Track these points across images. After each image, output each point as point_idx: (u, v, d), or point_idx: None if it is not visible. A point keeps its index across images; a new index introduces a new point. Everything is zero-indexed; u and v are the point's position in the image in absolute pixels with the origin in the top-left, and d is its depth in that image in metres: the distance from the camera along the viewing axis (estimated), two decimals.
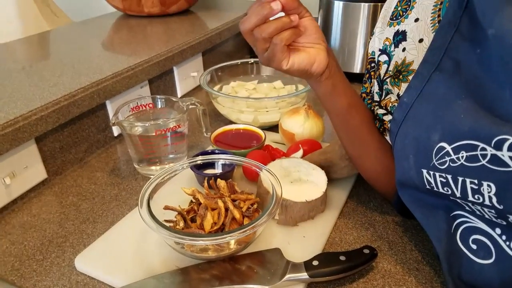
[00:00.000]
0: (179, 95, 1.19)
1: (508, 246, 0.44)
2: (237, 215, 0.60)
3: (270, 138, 0.89)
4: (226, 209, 0.62)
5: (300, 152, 0.76)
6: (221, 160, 0.71)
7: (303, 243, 0.62)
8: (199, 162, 0.70)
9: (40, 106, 0.76)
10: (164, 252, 0.61)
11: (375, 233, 0.66)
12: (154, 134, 0.77)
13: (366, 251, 0.58)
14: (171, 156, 0.82)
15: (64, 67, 0.97)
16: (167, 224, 0.61)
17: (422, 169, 0.51)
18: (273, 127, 0.97)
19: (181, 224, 0.59)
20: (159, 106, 0.87)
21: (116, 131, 0.97)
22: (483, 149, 0.43)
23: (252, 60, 1.13)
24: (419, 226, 0.66)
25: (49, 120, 0.77)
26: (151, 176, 0.81)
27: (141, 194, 0.61)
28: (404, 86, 0.59)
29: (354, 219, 0.69)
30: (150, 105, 0.86)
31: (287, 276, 0.55)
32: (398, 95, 0.60)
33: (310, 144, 0.78)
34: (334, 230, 0.66)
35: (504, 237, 0.45)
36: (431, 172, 0.50)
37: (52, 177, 0.83)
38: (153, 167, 0.82)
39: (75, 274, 0.60)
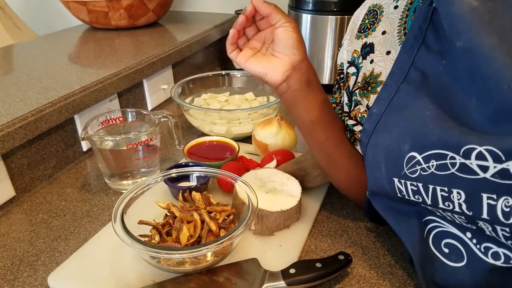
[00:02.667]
0: (149, 108, 1.18)
1: (479, 249, 0.47)
2: (213, 227, 0.60)
3: (244, 150, 0.90)
4: (202, 222, 0.62)
5: (274, 163, 0.77)
6: (196, 172, 0.71)
7: (279, 251, 0.63)
8: (173, 175, 0.70)
9: (6, 122, 0.74)
10: (140, 267, 0.60)
11: (349, 240, 0.67)
12: (125, 148, 0.76)
13: (341, 257, 0.59)
14: (143, 170, 0.81)
15: (30, 82, 0.94)
16: (142, 239, 0.60)
17: (394, 178, 0.53)
18: (246, 139, 0.98)
19: (157, 238, 0.59)
20: (130, 120, 0.86)
21: (85, 145, 0.95)
22: (452, 157, 0.45)
23: (223, 72, 1.15)
24: (391, 232, 0.68)
25: (16, 136, 0.75)
26: (123, 191, 0.80)
27: (114, 208, 0.60)
28: (373, 97, 0.61)
29: (328, 227, 0.70)
30: (121, 119, 0.85)
31: (265, 285, 0.55)
32: (367, 106, 0.62)
33: (284, 154, 0.79)
34: (309, 238, 0.67)
35: (474, 241, 0.47)
36: (402, 181, 0.52)
37: (20, 194, 0.80)
38: (125, 182, 0.81)
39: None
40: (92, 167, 0.91)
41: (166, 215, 0.66)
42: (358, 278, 0.60)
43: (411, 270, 0.61)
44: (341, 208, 0.75)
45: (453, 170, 0.45)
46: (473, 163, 0.43)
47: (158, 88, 1.20)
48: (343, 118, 0.68)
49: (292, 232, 0.67)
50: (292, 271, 0.57)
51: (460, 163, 0.44)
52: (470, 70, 0.46)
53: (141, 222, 0.61)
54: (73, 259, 0.62)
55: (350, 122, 0.66)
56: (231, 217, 0.63)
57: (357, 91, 0.65)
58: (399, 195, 0.53)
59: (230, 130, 0.96)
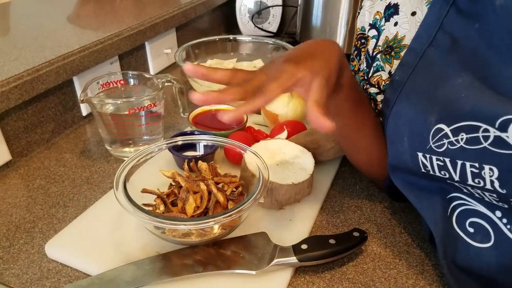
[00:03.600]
0: (152, 73, 1.13)
1: (509, 229, 0.43)
2: (221, 198, 0.57)
3: (252, 120, 0.86)
4: (209, 193, 0.58)
5: (284, 134, 0.73)
6: (202, 141, 0.67)
7: (290, 226, 0.60)
8: (178, 143, 0.65)
9: (0, 80, 0.69)
10: (143, 237, 0.57)
11: (362, 216, 0.64)
12: (127, 113, 0.72)
13: (356, 234, 0.56)
14: (146, 137, 0.77)
15: (26, 40, 0.89)
16: (146, 208, 0.56)
17: (418, 152, 0.49)
18: None
19: (162, 208, 0.55)
20: (132, 83, 0.81)
21: (85, 110, 0.91)
22: (486, 130, 0.41)
23: (231, 36, 1.09)
24: (407, 209, 0.65)
25: (11, 97, 0.70)
26: (125, 159, 0.75)
27: (116, 175, 0.56)
28: (396, 63, 0.57)
29: (341, 202, 0.67)
30: (122, 82, 0.80)
31: (275, 260, 0.52)
32: (390, 72, 0.58)
33: (295, 126, 0.75)
34: (321, 213, 0.64)
35: (504, 220, 0.44)
36: (427, 156, 0.48)
37: (16, 159, 0.76)
38: (126, 149, 0.77)
39: (46, 261, 0.55)
40: (92, 132, 0.87)
41: (171, 184, 0.62)
42: (373, 256, 0.57)
43: (429, 250, 0.58)
44: (354, 183, 0.71)
45: (485, 144, 0.41)
46: (510, 136, 0.39)
47: (161, 52, 1.14)
48: (364, 87, 0.64)
49: (303, 207, 0.64)
50: (304, 246, 0.53)
51: (495, 136, 0.40)
52: (511, 33, 0.41)
53: (144, 191, 0.58)
54: (71, 227, 0.59)
55: (373, 90, 0.61)
56: (240, 189, 0.59)
57: (379, 56, 0.60)
58: (422, 170, 0.49)
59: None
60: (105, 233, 0.58)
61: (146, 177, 0.62)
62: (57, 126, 0.85)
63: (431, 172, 0.48)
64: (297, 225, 0.60)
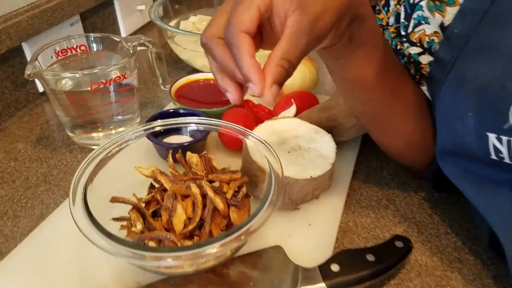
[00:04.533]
0: (123, 36, 0.94)
1: None
2: (220, 205, 0.42)
3: (249, 92, 0.70)
4: (203, 196, 0.44)
5: (292, 109, 0.58)
6: (191, 124, 0.51)
7: (309, 233, 0.46)
8: (157, 128, 0.50)
9: None
10: (119, 263, 0.43)
11: (397, 212, 0.51)
12: (89, 89, 0.55)
13: (399, 244, 0.43)
14: (117, 118, 0.61)
15: None
16: (118, 223, 0.42)
17: (488, 133, 0.36)
18: None
19: (139, 226, 0.41)
20: (95, 49, 0.64)
21: (41, 85, 0.74)
22: None
23: None
24: (449, 200, 0.52)
25: None
26: (93, 147, 0.61)
27: (73, 181, 0.41)
28: (451, 10, 0.42)
29: (368, 194, 0.53)
30: (83, 48, 0.63)
31: None
32: (441, 24, 0.43)
33: (304, 98, 0.60)
34: (345, 212, 0.51)
35: None
36: (504, 138, 0.35)
37: None
38: (94, 134, 0.61)
39: None
40: (52, 113, 0.70)
41: (151, 185, 0.47)
42: (418, 268, 0.44)
43: (485, 256, 0.45)
44: (380, 168, 0.58)
45: None
46: None
47: (133, 10, 0.95)
48: (399, 47, 0.49)
49: (323, 205, 0.50)
50: (334, 267, 0.40)
51: None
52: None
53: (114, 200, 0.43)
54: (23, 248, 0.45)
55: (413, 50, 0.46)
56: (244, 189, 0.45)
57: (423, 3, 0.45)
58: (492, 157, 0.36)
59: None
60: (68, 255, 0.44)
61: (117, 176, 0.47)
62: (6, 107, 0.68)
63: (506, 160, 0.35)
64: (318, 232, 0.47)
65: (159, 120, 0.50)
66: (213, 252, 0.35)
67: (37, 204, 0.52)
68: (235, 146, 0.55)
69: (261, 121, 0.58)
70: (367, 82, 0.43)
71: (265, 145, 0.46)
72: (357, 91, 0.45)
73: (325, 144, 0.50)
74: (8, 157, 0.60)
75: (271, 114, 0.61)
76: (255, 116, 0.59)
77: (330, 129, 0.54)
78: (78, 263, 0.43)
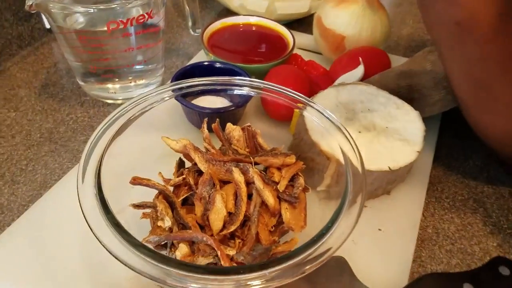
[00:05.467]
0: None
1: None
2: (270, 199, 0.32)
3: (298, 43, 0.57)
4: (247, 184, 0.33)
5: (359, 71, 0.45)
6: (234, 87, 0.39)
7: (379, 241, 0.36)
8: (197, 88, 0.38)
9: None
10: None
11: (488, 219, 0.40)
12: (105, 29, 0.44)
13: (504, 271, 0.32)
14: (138, 67, 0.50)
15: None
16: (138, 210, 0.32)
17: None
18: (300, 23, 0.64)
19: (168, 221, 0.30)
20: None
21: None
22: None
23: None
24: None
25: None
26: (107, 101, 0.50)
27: (83, 156, 0.31)
28: None
29: (450, 192, 0.42)
30: None
31: None
32: None
33: (373, 57, 0.47)
34: (424, 214, 0.40)
35: None
36: None
37: None
38: (109, 85, 0.50)
39: None
40: (61, 55, 0.59)
41: (180, 161, 0.37)
42: None
43: None
44: (464, 157, 0.46)
45: None
46: None
47: None
48: None
49: (396, 203, 0.39)
50: None
51: None
52: None
53: (136, 182, 0.32)
54: (20, 225, 0.35)
55: None
56: (302, 181, 0.34)
57: None
58: None
59: (274, 7, 0.61)
60: (74, 238, 0.34)
61: (137, 146, 0.36)
62: (7, 44, 0.56)
63: None
64: (391, 240, 0.36)
65: (192, 80, 0.38)
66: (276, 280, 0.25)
67: (39, 168, 0.43)
68: (283, 115, 0.43)
69: (314, 83, 0.47)
70: (485, 27, 0.30)
71: (333, 122, 0.34)
72: (469, 41, 0.33)
73: (410, 124, 0.38)
74: (8, 106, 0.50)
75: (327, 75, 0.49)
76: (308, 79, 0.46)
77: (409, 102, 0.42)
78: (86, 248, 0.34)
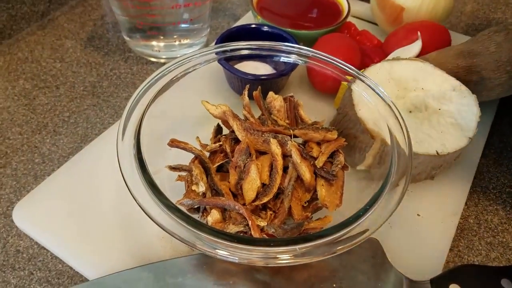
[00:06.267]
0: None
1: None
2: (306, 174, 0.31)
3: (353, 11, 0.54)
4: (284, 157, 0.32)
5: (416, 46, 0.42)
6: (281, 55, 0.37)
7: (416, 227, 0.35)
8: (241, 52, 0.37)
9: None
10: None
11: None
12: None
13: None
14: (183, 26, 0.49)
15: None
16: (175, 173, 0.32)
17: None
18: None
19: (202, 186, 0.30)
20: None
21: None
22: None
23: None
24: None
25: None
26: (151, 59, 0.50)
27: (124, 114, 0.31)
28: None
29: (498, 183, 0.39)
30: None
31: None
32: None
33: (433, 33, 0.44)
34: (468, 203, 0.38)
35: None
36: None
37: None
38: (154, 43, 0.49)
39: (15, 235, 0.34)
40: (109, 7, 0.59)
41: (218, 127, 0.36)
42: None
43: None
44: None
45: None
46: None
47: None
48: None
49: (439, 189, 0.37)
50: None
51: None
52: None
53: (174, 144, 0.32)
54: (60, 175, 0.36)
55: None
56: (342, 158, 0.33)
57: None
58: None
59: None
60: (111, 193, 0.35)
61: (177, 108, 0.36)
62: None
63: None
64: (429, 226, 0.35)
65: (237, 43, 0.37)
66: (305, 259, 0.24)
67: (81, 121, 0.44)
68: (329, 88, 0.41)
69: (366, 55, 0.44)
70: None
71: (384, 99, 0.32)
72: None
73: (465, 108, 0.36)
74: (54, 56, 0.51)
75: (380, 48, 0.46)
76: (360, 49, 0.44)
77: (466, 84, 0.39)
78: (121, 204, 0.35)
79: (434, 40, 0.43)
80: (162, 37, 0.49)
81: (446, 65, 0.39)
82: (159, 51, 0.49)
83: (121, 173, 0.27)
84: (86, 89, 0.47)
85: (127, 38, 0.51)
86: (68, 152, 0.41)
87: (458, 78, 0.38)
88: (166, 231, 0.25)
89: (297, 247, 0.24)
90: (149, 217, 0.25)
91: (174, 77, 0.34)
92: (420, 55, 0.42)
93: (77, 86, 0.47)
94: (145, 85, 0.32)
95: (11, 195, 0.37)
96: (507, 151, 0.42)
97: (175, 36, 0.49)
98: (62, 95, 0.46)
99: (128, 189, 0.26)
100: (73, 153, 0.40)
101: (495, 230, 0.36)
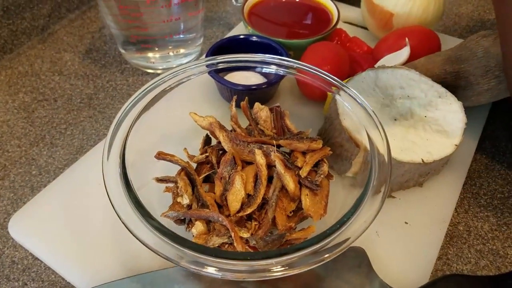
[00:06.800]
0: None
1: None
2: (290, 184, 0.31)
3: (343, 17, 0.54)
4: (269, 167, 0.33)
5: (405, 53, 0.42)
6: (269, 66, 0.38)
7: (404, 235, 0.35)
8: (230, 64, 0.38)
9: None
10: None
11: None
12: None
13: None
14: (177, 37, 0.49)
15: None
16: (162, 184, 0.33)
17: None
18: None
19: (186, 198, 0.31)
20: None
21: None
22: None
23: None
24: None
25: None
26: (147, 70, 0.51)
27: (110, 130, 0.32)
28: None
29: (489, 188, 0.39)
30: None
31: None
32: None
33: (422, 38, 0.44)
34: (457, 209, 0.37)
35: None
36: None
37: None
38: (149, 54, 0.50)
39: (11, 246, 0.35)
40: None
41: (206, 138, 0.37)
42: None
43: None
44: (509, 150, 0.42)
45: None
46: None
47: None
48: None
49: (428, 196, 0.37)
50: None
51: None
52: None
53: (160, 156, 0.33)
54: (56, 186, 0.37)
55: None
56: (326, 168, 0.33)
57: None
58: None
59: None
60: (104, 208, 0.36)
61: (168, 119, 0.36)
62: (56, 7, 0.58)
63: None
64: (417, 234, 0.35)
65: (225, 56, 0.37)
66: (284, 270, 0.25)
67: (77, 133, 0.45)
68: (318, 96, 0.42)
69: (356, 62, 0.45)
70: None
71: (365, 109, 0.33)
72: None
73: (451, 114, 0.36)
74: (53, 69, 0.52)
75: (370, 54, 0.46)
76: (349, 56, 0.44)
77: (454, 89, 0.39)
78: (112, 216, 0.35)
79: (423, 46, 0.43)
80: (156, 49, 0.50)
81: (434, 71, 0.39)
82: (154, 62, 0.50)
83: (107, 191, 0.28)
84: (83, 101, 0.48)
85: (122, 51, 0.52)
86: (64, 163, 0.42)
87: (446, 84, 0.38)
88: (151, 249, 0.26)
89: (273, 260, 0.25)
90: (134, 236, 0.26)
91: (162, 90, 0.35)
92: (410, 60, 0.42)
93: (74, 98, 0.48)
94: (133, 100, 0.33)
95: (8, 207, 0.38)
96: (499, 156, 0.42)
97: (169, 47, 0.50)
98: (60, 108, 0.47)
99: (112, 205, 0.27)
100: (69, 165, 0.41)
101: (485, 238, 0.36)
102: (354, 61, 0.45)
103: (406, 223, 0.35)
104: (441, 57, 0.41)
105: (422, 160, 0.33)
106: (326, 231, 0.27)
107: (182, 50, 0.51)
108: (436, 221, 0.35)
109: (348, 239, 0.26)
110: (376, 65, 0.41)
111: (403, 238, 0.34)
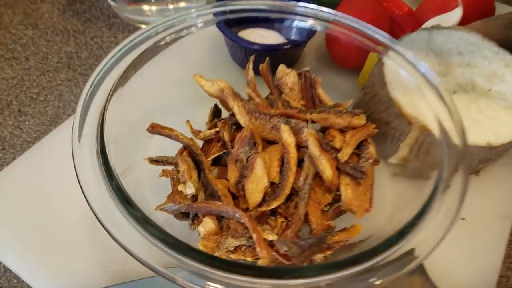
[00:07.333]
0: None
1: None
2: (327, 170, 0.24)
3: None
4: (298, 148, 0.25)
5: (456, 14, 0.35)
6: (296, 17, 0.30)
7: (460, 233, 0.28)
8: (246, 14, 0.29)
9: None
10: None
11: None
12: None
13: None
14: None
15: None
16: (158, 166, 0.25)
17: None
18: None
19: (191, 186, 0.23)
20: None
21: None
22: None
23: None
24: None
25: None
26: (140, 26, 0.43)
27: (82, 97, 0.24)
28: None
29: None
30: None
31: None
32: None
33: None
34: None
35: None
36: None
37: None
38: (144, 7, 0.42)
39: None
40: None
41: (215, 108, 0.29)
42: None
43: None
44: None
45: None
46: None
47: None
48: None
49: (485, 187, 0.30)
50: None
51: None
52: None
53: (154, 130, 0.25)
54: (22, 164, 0.30)
55: None
56: (372, 150, 0.26)
57: None
58: None
59: None
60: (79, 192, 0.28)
61: (163, 84, 0.29)
62: None
63: None
64: (477, 233, 0.28)
65: (240, 2, 0.29)
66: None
67: (52, 99, 0.37)
68: (353, 61, 0.34)
69: (397, 25, 0.37)
70: None
71: (426, 77, 0.25)
72: None
73: None
74: (26, 22, 0.43)
75: (412, 17, 0.38)
76: (390, 16, 0.36)
77: None
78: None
79: (476, 8, 0.35)
80: (153, 0, 0.41)
81: (493, 37, 0.32)
82: (149, 15, 0.42)
83: (77, 178, 0.20)
84: (61, 60, 0.40)
85: (112, 3, 0.43)
86: (34, 136, 0.34)
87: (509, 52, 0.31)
88: (136, 258, 0.18)
89: (320, 279, 0.17)
90: (113, 238, 0.19)
91: (158, 41, 0.27)
92: (460, 25, 0.34)
93: (50, 57, 0.40)
94: (115, 54, 0.25)
95: None
96: None
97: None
98: (32, 68, 0.39)
99: (86, 199, 0.20)
100: (40, 138, 0.33)
101: None
102: (393, 24, 0.37)
103: (462, 219, 0.29)
104: (502, 20, 0.33)
105: (489, 143, 0.26)
106: (385, 241, 0.20)
107: (183, 3, 0.43)
108: (496, 216, 0.29)
109: (415, 255, 0.19)
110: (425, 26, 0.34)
111: (460, 237, 0.28)
